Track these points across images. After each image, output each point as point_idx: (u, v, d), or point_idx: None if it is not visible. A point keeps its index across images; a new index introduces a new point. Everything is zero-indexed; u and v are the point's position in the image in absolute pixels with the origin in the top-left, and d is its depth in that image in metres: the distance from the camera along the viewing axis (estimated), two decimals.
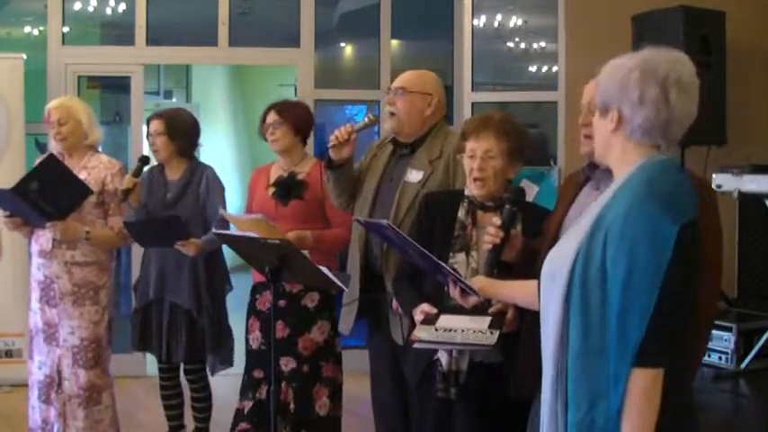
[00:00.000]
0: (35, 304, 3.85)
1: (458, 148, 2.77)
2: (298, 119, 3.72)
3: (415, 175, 3.14)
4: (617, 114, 1.84)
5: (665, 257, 1.70)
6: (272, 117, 3.71)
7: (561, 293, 1.78)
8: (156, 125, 3.93)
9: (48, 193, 3.60)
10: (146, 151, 6.35)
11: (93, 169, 3.82)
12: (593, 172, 2.38)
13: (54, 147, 3.95)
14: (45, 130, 5.61)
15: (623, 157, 1.87)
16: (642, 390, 1.71)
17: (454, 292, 2.38)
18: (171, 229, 3.74)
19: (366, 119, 3.26)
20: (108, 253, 3.91)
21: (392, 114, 3.21)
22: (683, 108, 1.84)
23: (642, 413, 1.72)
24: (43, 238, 3.78)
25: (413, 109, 3.18)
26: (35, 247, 3.83)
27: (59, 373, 3.80)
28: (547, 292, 1.86)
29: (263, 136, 3.77)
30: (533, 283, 2.16)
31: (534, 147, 5.80)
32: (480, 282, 2.32)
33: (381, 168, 3.27)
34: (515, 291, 2.27)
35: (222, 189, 3.96)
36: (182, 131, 3.95)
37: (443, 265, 2.37)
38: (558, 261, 1.82)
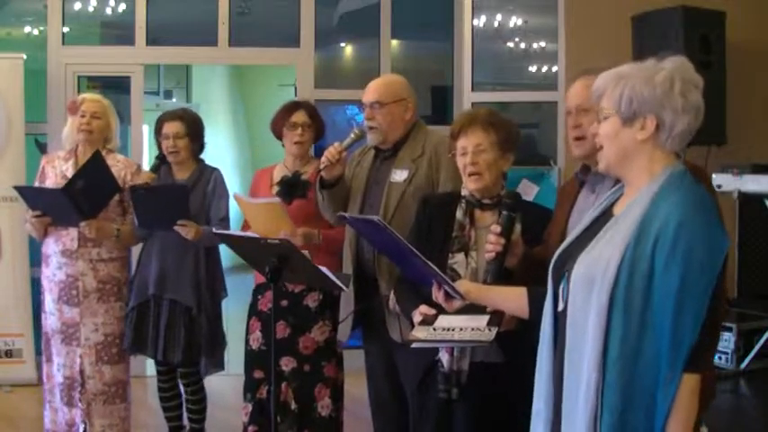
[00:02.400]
0: (51, 306, 3.84)
1: (449, 147, 2.79)
2: (321, 125, 3.76)
3: (399, 175, 3.19)
4: (654, 122, 1.84)
5: (718, 265, 1.75)
6: (302, 117, 3.68)
7: (605, 298, 1.79)
8: (177, 127, 3.89)
9: (88, 192, 3.63)
10: (146, 150, 6.35)
11: (112, 168, 3.82)
12: (587, 176, 2.40)
13: (71, 140, 3.93)
14: (46, 129, 5.68)
15: (648, 166, 1.86)
16: (689, 393, 1.75)
17: (437, 295, 2.37)
18: (174, 200, 3.73)
19: (352, 134, 3.29)
20: (127, 249, 3.97)
21: (373, 128, 3.24)
22: (703, 112, 1.89)
23: (689, 416, 1.76)
24: (67, 237, 3.79)
25: (393, 119, 3.24)
26: (55, 248, 3.83)
27: (81, 372, 3.80)
28: (583, 297, 1.85)
29: (279, 132, 3.73)
30: (520, 289, 2.21)
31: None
32: (466, 286, 2.33)
33: (366, 173, 3.32)
34: (502, 296, 2.29)
35: (227, 194, 3.95)
36: (200, 133, 3.99)
37: (431, 265, 2.35)
38: (598, 266, 1.81)
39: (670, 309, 1.72)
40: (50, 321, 3.85)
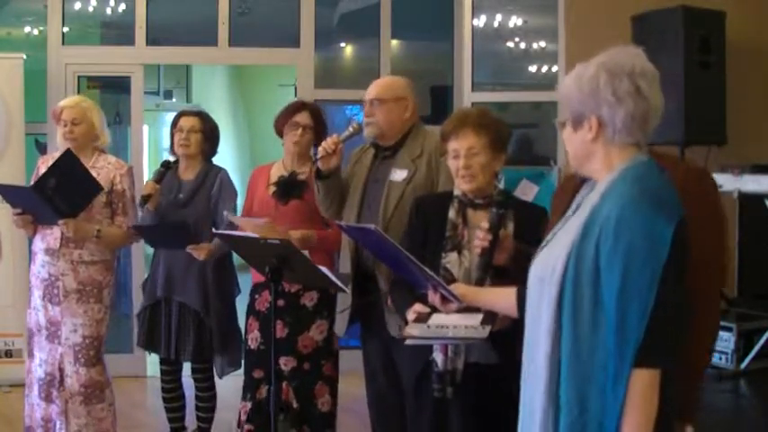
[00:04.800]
0: (37, 302, 3.85)
1: (440, 150, 2.80)
2: (323, 128, 3.76)
3: (399, 174, 3.20)
4: (596, 121, 1.83)
5: (662, 256, 1.70)
6: (305, 119, 3.69)
7: (554, 297, 1.78)
8: (194, 122, 3.94)
9: (63, 190, 3.61)
10: (146, 150, 6.35)
11: (102, 169, 3.82)
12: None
13: (62, 145, 3.93)
14: (45, 129, 5.68)
15: (606, 163, 1.85)
16: (642, 390, 1.71)
17: (434, 299, 2.38)
18: (178, 235, 3.79)
19: (350, 128, 3.31)
20: (112, 252, 3.92)
21: (370, 124, 3.27)
22: (656, 98, 1.85)
23: (642, 414, 1.71)
24: (51, 236, 3.78)
25: (391, 116, 3.25)
26: (40, 245, 3.83)
27: (61, 370, 3.80)
28: (536, 296, 1.85)
29: (280, 130, 3.75)
30: (511, 290, 2.21)
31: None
32: (461, 288, 2.35)
33: (365, 171, 3.33)
34: (495, 297, 2.31)
35: (235, 194, 3.96)
36: (215, 134, 4.02)
37: (427, 270, 2.36)
38: (548, 264, 1.81)
39: (614, 305, 1.70)
40: (37, 317, 3.86)
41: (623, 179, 1.80)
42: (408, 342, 2.42)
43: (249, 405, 3.63)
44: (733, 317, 4.85)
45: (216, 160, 4.10)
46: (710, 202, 2.18)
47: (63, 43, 5.81)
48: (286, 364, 3.57)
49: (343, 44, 7.23)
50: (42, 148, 5.75)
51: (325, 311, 3.60)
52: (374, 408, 3.38)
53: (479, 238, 2.42)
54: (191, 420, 4.17)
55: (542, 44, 6.15)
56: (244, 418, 3.65)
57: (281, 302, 3.54)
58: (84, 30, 6.32)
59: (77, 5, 6.06)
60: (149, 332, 3.97)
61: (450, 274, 2.61)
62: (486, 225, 2.43)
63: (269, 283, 2.88)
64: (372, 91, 3.30)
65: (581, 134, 1.87)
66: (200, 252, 3.76)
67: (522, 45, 6.22)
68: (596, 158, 1.87)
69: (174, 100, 9.80)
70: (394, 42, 6.19)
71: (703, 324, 2.06)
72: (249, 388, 3.66)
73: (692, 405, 2.11)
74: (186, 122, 3.94)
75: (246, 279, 3.89)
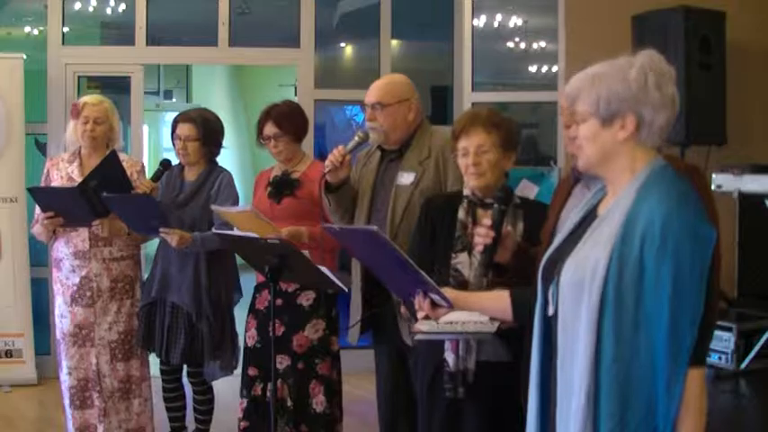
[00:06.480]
0: (62, 308, 3.84)
1: (450, 148, 2.79)
2: (296, 128, 3.70)
3: (406, 178, 3.16)
4: (634, 120, 1.81)
5: (708, 259, 1.73)
6: (271, 129, 3.66)
7: (595, 301, 1.76)
8: (189, 130, 3.85)
9: (102, 191, 3.61)
10: (146, 150, 6.35)
11: None
12: (582, 172, 2.39)
13: (73, 143, 3.92)
14: (45, 129, 5.68)
15: (630, 164, 1.84)
16: (697, 389, 1.75)
17: (422, 305, 2.33)
18: (146, 208, 3.69)
19: (356, 137, 3.24)
20: (138, 247, 3.98)
21: (374, 129, 3.21)
22: (678, 103, 1.87)
23: (700, 412, 1.76)
24: (77, 238, 3.79)
25: (396, 120, 3.19)
26: (66, 251, 3.82)
27: (98, 371, 3.81)
28: (572, 302, 1.83)
29: (261, 144, 3.74)
30: (503, 292, 2.23)
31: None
32: (451, 293, 2.33)
33: (373, 175, 3.29)
34: (486, 301, 2.32)
35: (234, 195, 3.91)
36: (214, 137, 3.93)
37: (423, 274, 2.32)
38: (586, 269, 1.79)
39: (666, 307, 1.70)
40: (62, 325, 3.85)
41: (657, 182, 1.80)
42: (418, 338, 2.44)
43: (245, 402, 3.63)
44: (733, 317, 4.84)
45: (216, 160, 4.08)
46: (707, 200, 2.18)
47: (63, 43, 5.80)
48: (281, 362, 3.56)
49: (343, 44, 7.24)
50: (42, 148, 5.74)
51: (321, 311, 3.59)
52: (385, 412, 3.35)
53: (481, 235, 2.41)
54: (192, 420, 4.17)
55: (542, 44, 6.15)
56: (240, 415, 3.66)
57: (279, 301, 3.54)
58: (84, 30, 6.33)
59: (77, 5, 6.06)
60: (146, 332, 3.95)
61: (460, 275, 2.61)
62: (488, 222, 2.42)
63: (268, 283, 2.88)
64: (373, 95, 3.21)
65: (610, 132, 1.83)
66: (171, 237, 3.66)
67: (522, 45, 6.22)
68: (621, 158, 1.85)
69: (174, 100, 9.82)
70: (394, 42, 6.19)
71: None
72: (245, 385, 3.66)
73: None
74: (182, 131, 3.87)
75: (250, 278, 3.89)
